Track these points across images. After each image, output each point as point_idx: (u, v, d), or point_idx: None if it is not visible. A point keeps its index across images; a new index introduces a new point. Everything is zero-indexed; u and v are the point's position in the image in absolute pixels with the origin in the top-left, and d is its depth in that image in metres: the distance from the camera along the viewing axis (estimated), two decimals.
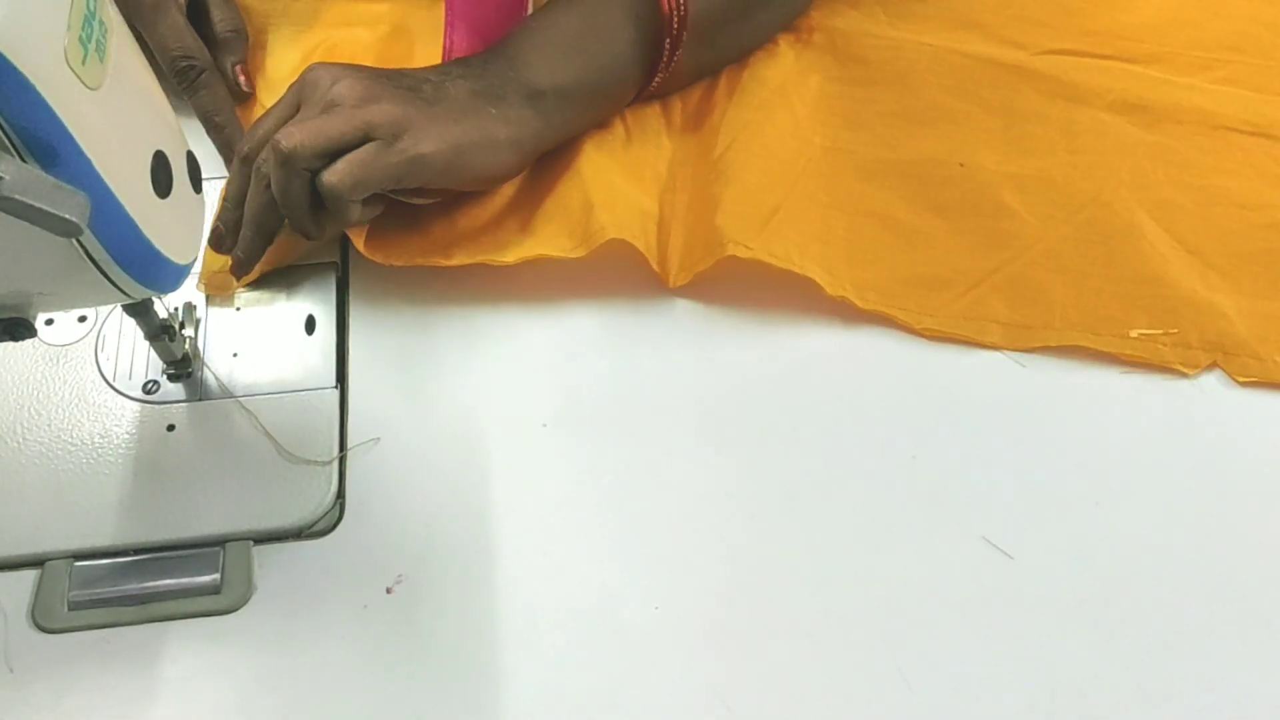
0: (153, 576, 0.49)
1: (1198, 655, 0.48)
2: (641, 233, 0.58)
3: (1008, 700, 0.47)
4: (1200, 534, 0.51)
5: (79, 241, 0.38)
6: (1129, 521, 0.52)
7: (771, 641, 0.48)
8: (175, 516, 0.50)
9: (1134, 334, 0.57)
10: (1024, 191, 0.62)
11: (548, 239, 0.57)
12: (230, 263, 0.56)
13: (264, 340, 0.56)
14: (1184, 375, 0.56)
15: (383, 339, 0.57)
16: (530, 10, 0.62)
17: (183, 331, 0.53)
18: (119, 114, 0.39)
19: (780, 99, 0.64)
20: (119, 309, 0.56)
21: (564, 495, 0.52)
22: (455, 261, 0.57)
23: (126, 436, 0.52)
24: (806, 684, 0.47)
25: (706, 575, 0.50)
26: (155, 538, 0.50)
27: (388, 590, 0.49)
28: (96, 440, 0.52)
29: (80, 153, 0.36)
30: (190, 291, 0.57)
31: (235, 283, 0.57)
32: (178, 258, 0.43)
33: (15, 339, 0.43)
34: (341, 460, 0.52)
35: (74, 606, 0.48)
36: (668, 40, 0.59)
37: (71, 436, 0.52)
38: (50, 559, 0.49)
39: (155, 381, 0.54)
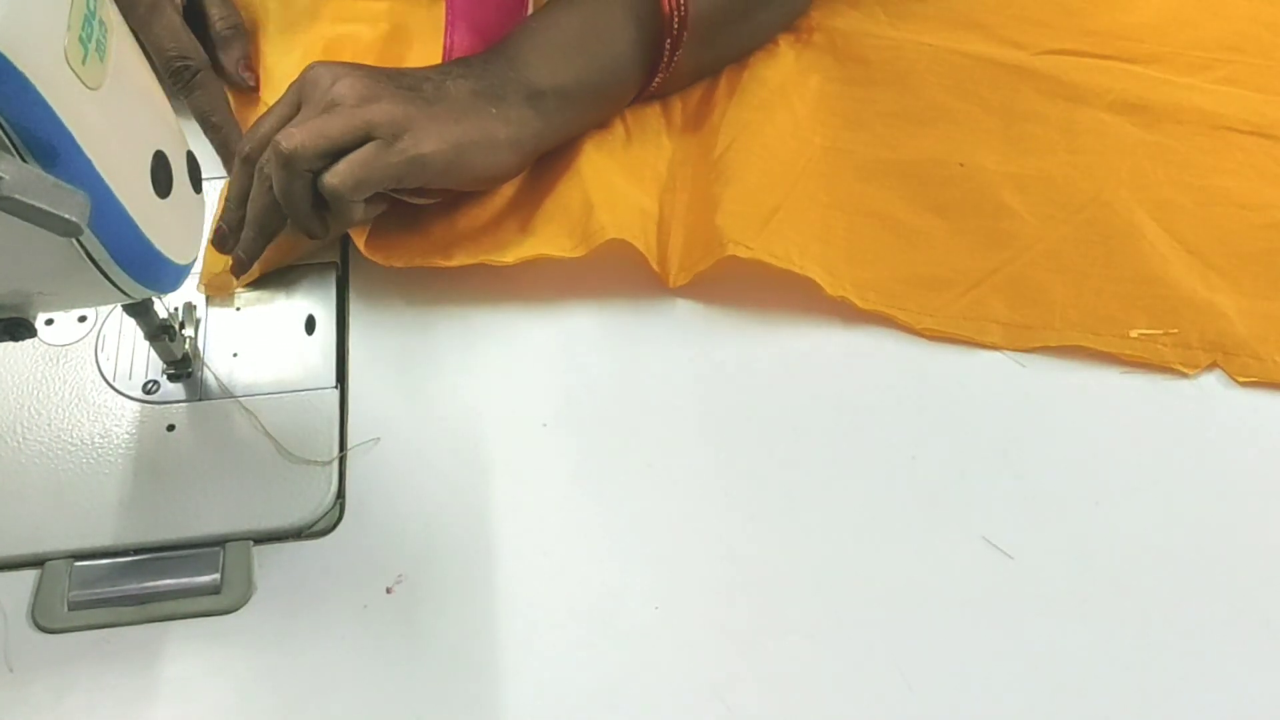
0: (153, 576, 0.49)
1: (1198, 655, 0.48)
2: (641, 233, 0.58)
3: (1008, 700, 0.47)
4: (1200, 534, 0.51)
5: (79, 241, 0.38)
6: (1129, 521, 0.52)
7: (771, 641, 0.48)
8: (175, 516, 0.50)
9: (1134, 334, 0.57)
10: (1024, 191, 0.62)
11: (548, 239, 0.57)
12: (230, 263, 0.56)
13: (264, 340, 0.56)
14: (1184, 375, 0.56)
15: (383, 339, 0.57)
16: (530, 10, 0.62)
17: (183, 331, 0.53)
18: (119, 114, 0.39)
19: (780, 99, 0.64)
20: (119, 309, 0.56)
21: (564, 495, 0.52)
22: (455, 262, 0.57)
23: (126, 436, 0.52)
24: (806, 684, 0.47)
25: (706, 575, 0.50)
26: (155, 538, 0.50)
27: (388, 590, 0.49)
28: (96, 440, 0.52)
29: (80, 153, 0.36)
30: (190, 291, 0.57)
31: (235, 284, 0.57)
32: (178, 258, 0.43)
33: (15, 339, 0.43)
34: (341, 460, 0.52)
35: (74, 606, 0.48)
36: (668, 40, 0.59)
37: (71, 436, 0.52)
38: (50, 559, 0.49)
39: (155, 381, 0.54)
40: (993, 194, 0.62)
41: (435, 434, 0.53)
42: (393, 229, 0.58)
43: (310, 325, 0.57)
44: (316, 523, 0.50)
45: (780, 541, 0.51)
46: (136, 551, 0.49)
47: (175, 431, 0.53)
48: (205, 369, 0.55)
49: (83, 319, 0.56)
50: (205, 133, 0.62)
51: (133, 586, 0.48)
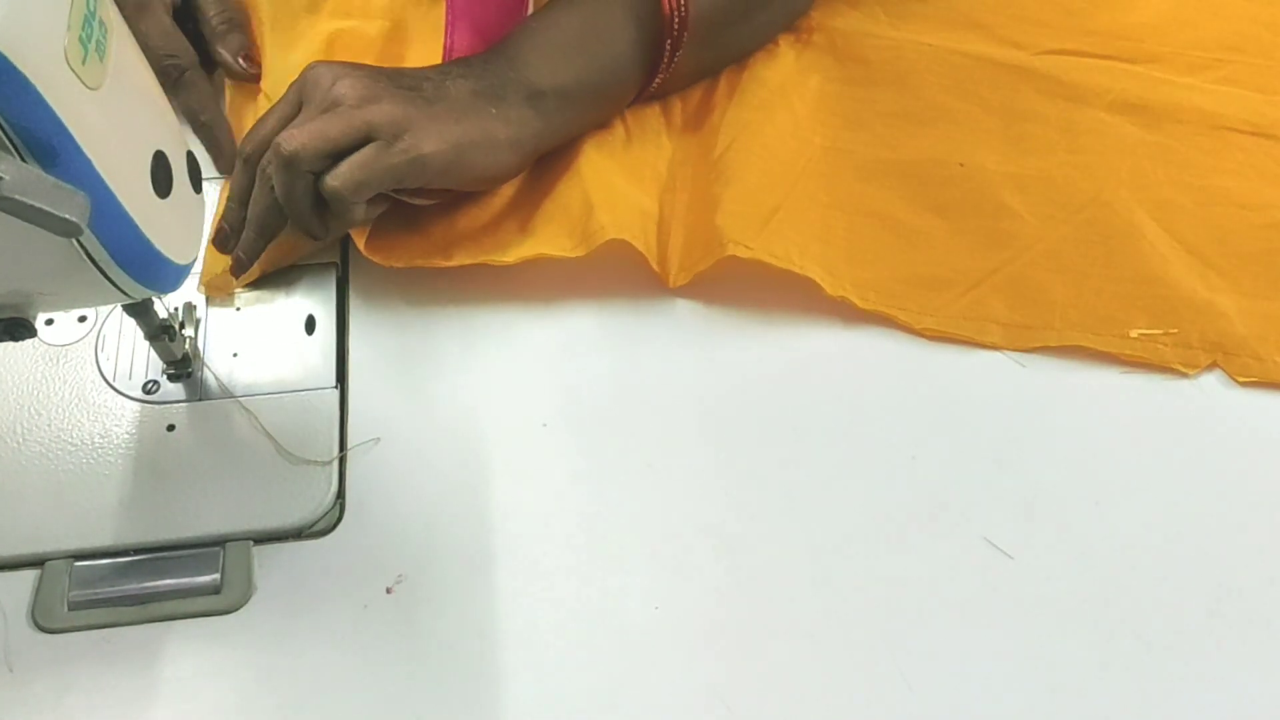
0: (153, 576, 0.49)
1: (1198, 655, 0.48)
2: (641, 233, 0.58)
3: (1008, 700, 0.47)
4: (1200, 534, 0.51)
5: (79, 241, 0.38)
6: (1129, 521, 0.52)
7: (771, 641, 0.48)
8: (175, 516, 0.50)
9: (1134, 334, 0.57)
10: (1024, 191, 0.62)
11: (548, 239, 0.57)
12: (230, 263, 0.56)
13: (264, 340, 0.56)
14: (1184, 375, 0.56)
15: (383, 339, 0.57)
16: (530, 10, 0.62)
17: (183, 331, 0.53)
18: (119, 114, 0.39)
19: (780, 99, 0.64)
20: (119, 309, 0.56)
21: (564, 495, 0.52)
22: (455, 262, 0.57)
23: (126, 436, 0.52)
24: (806, 684, 0.47)
25: (706, 575, 0.50)
26: (155, 538, 0.50)
27: (388, 590, 0.49)
28: (96, 440, 0.52)
29: (80, 153, 0.36)
30: (190, 291, 0.57)
31: (235, 284, 0.57)
32: (178, 258, 0.43)
33: (15, 339, 0.43)
34: (341, 460, 0.52)
35: (74, 606, 0.48)
36: (668, 41, 0.59)
37: (71, 436, 0.52)
38: (50, 559, 0.49)
39: (155, 381, 0.54)
40: (993, 194, 0.61)
41: (435, 434, 0.53)
42: (393, 229, 0.58)
43: (310, 325, 0.57)
44: (316, 523, 0.50)
45: (780, 541, 0.51)
46: (136, 551, 0.49)
47: (175, 431, 0.53)
48: (205, 369, 0.55)
49: (83, 319, 0.56)
50: (194, 131, 0.62)
51: (133, 586, 0.48)
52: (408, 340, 0.57)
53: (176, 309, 0.54)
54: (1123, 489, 0.53)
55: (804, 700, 0.47)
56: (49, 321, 0.56)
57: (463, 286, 0.58)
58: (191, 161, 0.46)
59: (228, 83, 0.65)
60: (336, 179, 0.52)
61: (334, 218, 0.55)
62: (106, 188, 0.38)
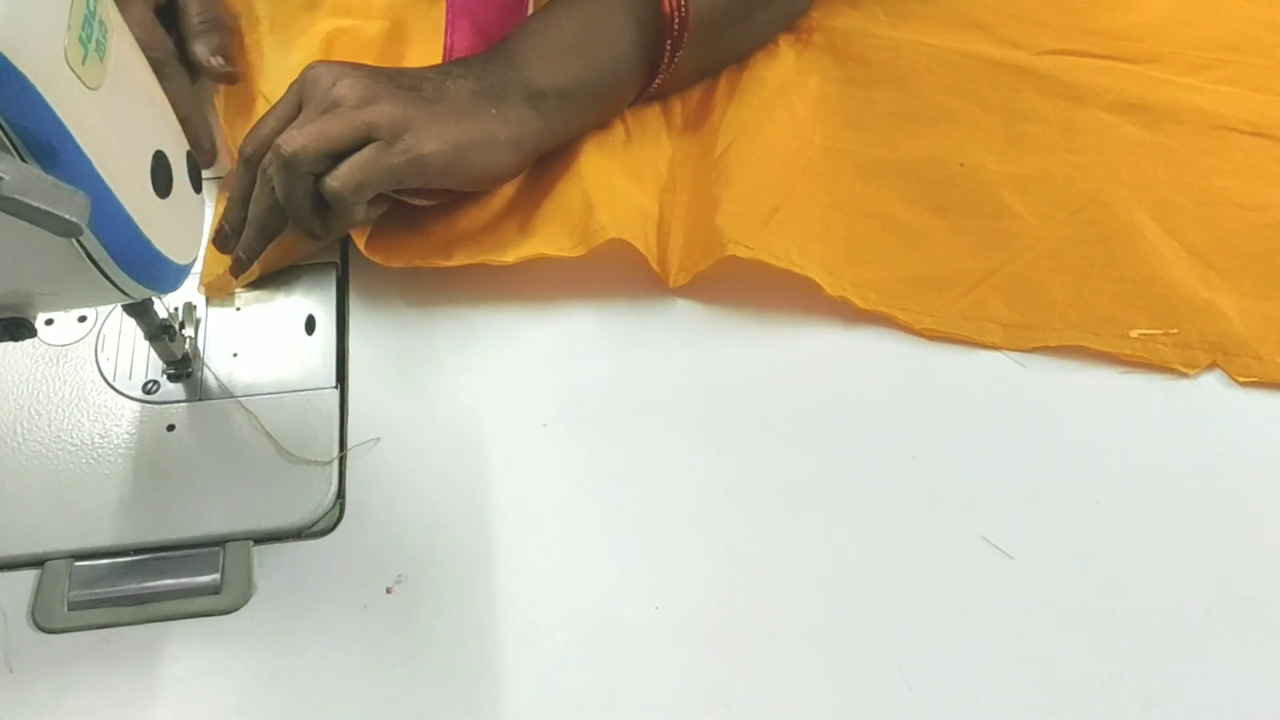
0: (153, 576, 0.49)
1: (1198, 655, 0.48)
2: (641, 233, 0.58)
3: (1008, 700, 0.47)
4: (1200, 534, 0.51)
5: (79, 241, 0.38)
6: (1129, 521, 0.52)
7: (771, 641, 0.48)
8: (175, 516, 0.50)
9: (1134, 334, 0.57)
10: (1024, 191, 0.62)
11: (547, 239, 0.57)
12: (231, 263, 0.56)
13: (264, 340, 0.56)
14: (1184, 375, 0.56)
15: (383, 339, 0.57)
16: (531, 10, 0.62)
17: (183, 331, 0.53)
18: (119, 114, 0.39)
19: (780, 99, 0.64)
20: (119, 309, 0.56)
21: (564, 495, 0.52)
22: (455, 262, 0.57)
23: (126, 436, 0.52)
24: (806, 684, 0.47)
25: (706, 575, 0.50)
26: (155, 538, 0.50)
27: (388, 590, 0.49)
28: (96, 440, 0.52)
29: (80, 153, 0.36)
30: (190, 291, 0.57)
31: (235, 284, 0.57)
32: (178, 258, 0.43)
33: (15, 339, 0.43)
34: (341, 460, 0.52)
35: (74, 606, 0.48)
36: (669, 41, 0.59)
37: (71, 436, 0.52)
38: (50, 559, 0.49)
39: (155, 381, 0.54)
40: (993, 194, 0.61)
41: (435, 434, 0.53)
42: (393, 229, 0.58)
43: (310, 325, 0.57)
44: (316, 523, 0.50)
45: (780, 541, 0.51)
46: (136, 551, 0.49)
47: (175, 431, 0.53)
48: (205, 369, 0.55)
49: (83, 319, 0.56)
50: None
51: (133, 586, 0.48)
52: (408, 340, 0.57)
53: (176, 309, 0.54)
54: (1123, 489, 0.53)
55: (804, 700, 0.47)
56: (49, 321, 0.56)
57: (463, 286, 0.58)
58: (191, 161, 0.46)
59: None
60: (337, 180, 0.52)
61: (335, 218, 0.55)
62: (106, 188, 0.38)
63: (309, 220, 0.54)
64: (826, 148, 0.63)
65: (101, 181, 0.37)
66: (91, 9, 0.37)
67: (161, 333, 0.51)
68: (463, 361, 0.56)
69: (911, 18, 0.69)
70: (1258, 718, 0.47)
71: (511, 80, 0.57)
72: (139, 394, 0.54)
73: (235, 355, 0.55)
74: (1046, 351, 0.57)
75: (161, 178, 0.42)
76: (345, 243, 0.59)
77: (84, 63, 0.36)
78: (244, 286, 0.58)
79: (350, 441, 0.53)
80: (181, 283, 0.45)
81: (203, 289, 0.57)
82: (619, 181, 0.60)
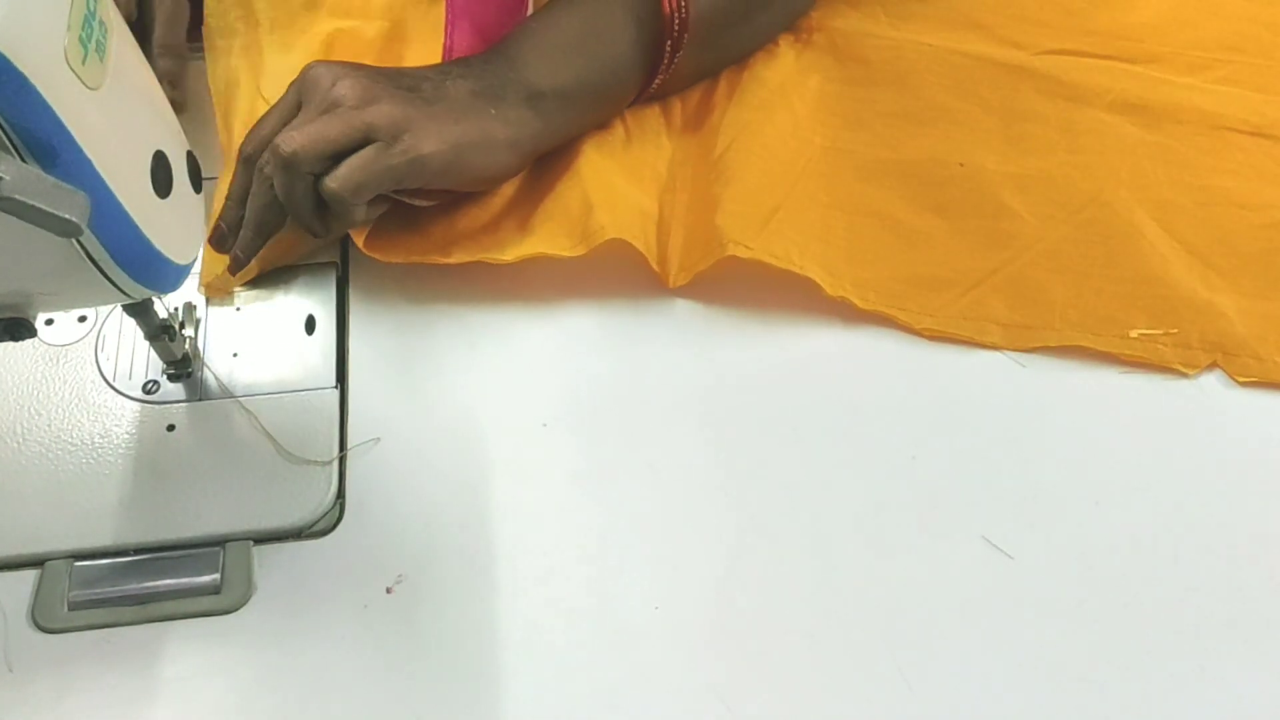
0: (153, 576, 0.49)
1: (1198, 655, 0.48)
2: (641, 233, 0.58)
3: (1007, 700, 0.47)
4: (1200, 534, 0.51)
5: (79, 241, 0.38)
6: (1129, 521, 0.52)
7: (771, 641, 0.48)
8: (175, 516, 0.50)
9: (1134, 334, 0.57)
10: (1024, 191, 0.62)
11: (547, 238, 0.57)
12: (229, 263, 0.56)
13: (264, 340, 0.56)
14: (1184, 375, 0.56)
15: (383, 339, 0.57)
16: (530, 10, 0.62)
17: (183, 331, 0.53)
18: (119, 114, 0.39)
19: (780, 99, 0.64)
20: (119, 309, 0.56)
21: (564, 495, 0.52)
22: (455, 259, 0.57)
23: (126, 436, 0.52)
24: (806, 684, 0.47)
25: (706, 575, 0.50)
26: (155, 538, 0.50)
27: (388, 590, 0.49)
28: (96, 440, 0.52)
29: (80, 153, 0.36)
30: (190, 291, 0.57)
31: (235, 283, 0.57)
32: (178, 258, 0.43)
33: (15, 339, 0.43)
34: (341, 460, 0.52)
35: (74, 606, 0.48)
36: (668, 42, 0.59)
37: (71, 436, 0.52)
38: (50, 559, 0.49)
39: (155, 381, 0.54)
40: (993, 194, 0.62)
41: (435, 434, 0.53)
42: (392, 227, 0.58)
43: (310, 325, 0.57)
44: (316, 523, 0.50)
45: (780, 541, 0.51)
46: (136, 551, 0.49)
47: (175, 431, 0.53)
48: (205, 369, 0.55)
49: (83, 319, 0.56)
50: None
51: (133, 586, 0.48)
52: (408, 340, 0.57)
53: (176, 309, 0.54)
54: (1123, 489, 0.53)
55: (804, 700, 0.46)
56: (49, 321, 0.56)
57: (462, 286, 0.58)
58: (191, 161, 0.46)
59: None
60: (336, 180, 0.52)
61: (334, 218, 0.55)
62: (106, 188, 0.38)
63: (309, 220, 0.54)
64: (826, 148, 0.63)
65: (101, 181, 0.37)
66: (91, 9, 0.37)
67: (161, 333, 0.51)
68: (463, 361, 0.56)
69: (911, 18, 0.69)
70: (1257, 718, 0.47)
71: (511, 80, 0.57)
72: (139, 394, 0.54)
73: (235, 355, 0.55)
74: (1046, 351, 0.57)
75: (161, 178, 0.42)
76: (345, 243, 0.59)
77: (84, 63, 0.36)
78: (244, 286, 0.58)
79: (350, 441, 0.53)
80: (181, 283, 0.45)
81: (202, 289, 0.57)
82: (619, 181, 0.60)
